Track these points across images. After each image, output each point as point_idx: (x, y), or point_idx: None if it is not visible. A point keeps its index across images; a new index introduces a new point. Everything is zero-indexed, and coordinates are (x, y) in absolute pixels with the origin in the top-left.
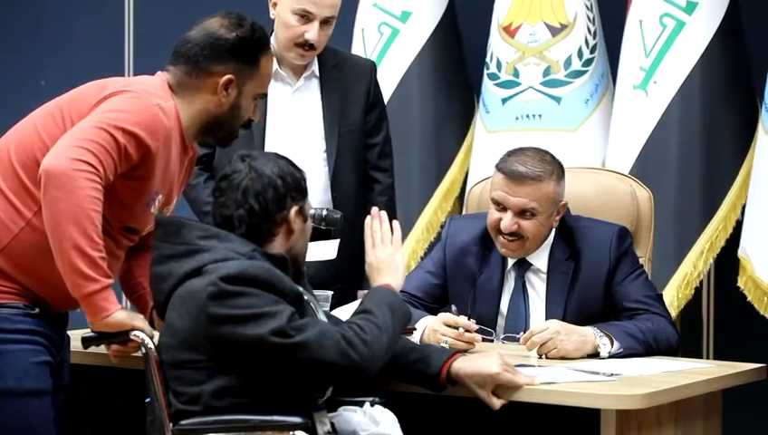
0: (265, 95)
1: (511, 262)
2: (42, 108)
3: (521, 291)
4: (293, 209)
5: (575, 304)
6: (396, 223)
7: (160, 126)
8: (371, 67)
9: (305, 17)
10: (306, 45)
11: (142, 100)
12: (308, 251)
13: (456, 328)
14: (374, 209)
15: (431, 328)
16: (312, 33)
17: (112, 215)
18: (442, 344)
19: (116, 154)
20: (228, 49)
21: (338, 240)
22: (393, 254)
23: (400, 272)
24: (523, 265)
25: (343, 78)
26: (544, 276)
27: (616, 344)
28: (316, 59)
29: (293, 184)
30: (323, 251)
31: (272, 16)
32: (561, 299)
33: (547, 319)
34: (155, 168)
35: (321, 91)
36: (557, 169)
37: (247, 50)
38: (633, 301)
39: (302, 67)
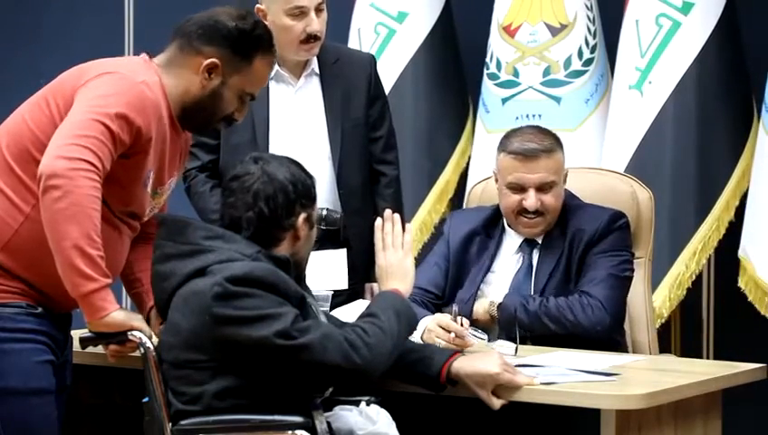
0: (254, 97)
1: (517, 244)
2: (28, 101)
3: (527, 270)
4: (302, 216)
5: (561, 274)
6: (408, 225)
7: (148, 102)
8: (371, 61)
9: (301, 14)
10: (311, 38)
11: (127, 79)
12: (319, 275)
13: (449, 331)
14: (387, 212)
15: (427, 328)
16: (312, 24)
17: (113, 199)
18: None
19: (111, 144)
20: (223, 35)
21: (344, 250)
22: (404, 258)
23: (410, 277)
24: (531, 244)
25: (343, 74)
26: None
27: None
28: (315, 57)
29: (304, 191)
30: (333, 269)
31: None
32: (548, 269)
33: (535, 289)
34: (149, 142)
35: (322, 88)
36: (558, 139)
37: (242, 42)
38: (587, 277)
39: (302, 66)
